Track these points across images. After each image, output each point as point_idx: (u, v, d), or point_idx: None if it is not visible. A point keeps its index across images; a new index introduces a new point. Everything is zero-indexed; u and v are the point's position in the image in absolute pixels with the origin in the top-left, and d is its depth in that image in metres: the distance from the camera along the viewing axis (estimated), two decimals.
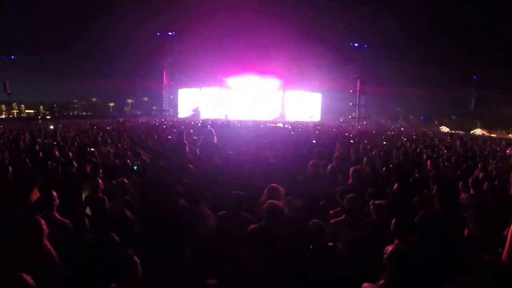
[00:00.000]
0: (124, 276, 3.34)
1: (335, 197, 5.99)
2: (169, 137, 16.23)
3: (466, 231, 5.04)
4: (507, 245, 3.77)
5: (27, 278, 3.22)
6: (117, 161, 8.99)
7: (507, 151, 4.53)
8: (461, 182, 7.24)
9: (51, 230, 4.27)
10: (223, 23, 50.02)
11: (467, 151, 15.58)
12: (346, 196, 5.43)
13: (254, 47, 51.79)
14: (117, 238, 4.27)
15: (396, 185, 6.92)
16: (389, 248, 3.86)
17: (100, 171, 7.21)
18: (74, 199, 6.25)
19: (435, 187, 6.51)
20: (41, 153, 9.68)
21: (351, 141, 17.91)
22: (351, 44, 52.08)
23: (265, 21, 49.94)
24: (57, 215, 4.94)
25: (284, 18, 50.94)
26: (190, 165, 8.08)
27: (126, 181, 6.20)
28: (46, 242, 4.11)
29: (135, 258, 3.40)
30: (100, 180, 6.21)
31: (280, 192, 5.45)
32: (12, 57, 44.16)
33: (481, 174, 8.61)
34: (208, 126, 11.08)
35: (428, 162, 10.21)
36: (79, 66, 62.37)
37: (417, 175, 8.43)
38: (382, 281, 3.72)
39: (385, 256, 3.77)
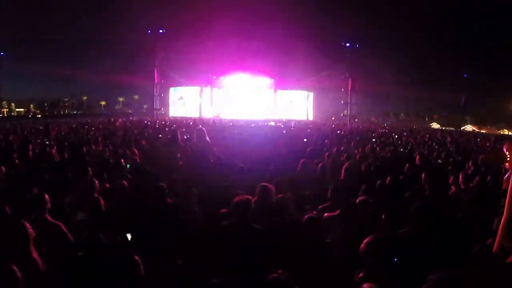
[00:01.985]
0: (128, 277, 3.34)
1: (324, 193, 6.05)
2: (160, 135, 16.20)
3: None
4: (498, 237, 3.82)
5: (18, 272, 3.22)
6: (111, 160, 8.98)
7: (504, 147, 4.52)
8: (452, 177, 7.33)
9: (43, 233, 4.25)
10: (215, 21, 49.96)
11: (457, 147, 15.73)
12: (338, 192, 5.52)
13: (246, 46, 51.83)
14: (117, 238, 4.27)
15: (386, 180, 6.99)
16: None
17: (90, 170, 7.16)
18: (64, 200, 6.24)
19: (427, 180, 6.59)
20: (31, 153, 9.60)
21: (344, 139, 17.98)
22: (342, 43, 52.26)
23: (257, 20, 50.03)
24: (49, 217, 4.90)
25: (276, 17, 51.01)
26: (181, 163, 8.11)
27: (125, 183, 6.17)
28: (32, 246, 4.06)
29: (136, 257, 3.41)
30: (96, 181, 6.18)
31: (271, 190, 5.49)
32: (2, 53, 43.62)
33: (471, 168, 8.68)
34: (200, 126, 11.06)
35: (417, 157, 10.28)
36: (69, 65, 61.91)
37: (407, 171, 8.49)
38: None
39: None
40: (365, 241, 3.84)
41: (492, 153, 9.08)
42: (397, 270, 3.69)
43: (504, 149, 4.11)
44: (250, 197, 4.72)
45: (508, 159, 3.98)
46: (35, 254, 4.02)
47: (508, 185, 3.87)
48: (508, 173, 4.00)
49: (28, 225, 4.11)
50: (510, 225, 3.81)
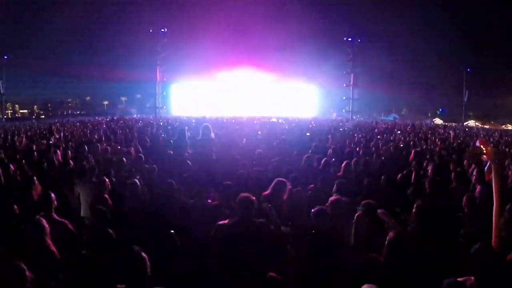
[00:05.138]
0: (134, 273, 3.38)
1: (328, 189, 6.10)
2: (163, 135, 16.27)
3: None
4: (493, 230, 3.87)
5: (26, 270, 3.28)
6: (114, 158, 9.07)
7: (477, 143, 4.50)
8: (453, 173, 7.34)
9: (50, 231, 4.32)
10: (216, 18, 49.91)
11: (459, 143, 15.73)
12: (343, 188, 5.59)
13: (247, 42, 51.82)
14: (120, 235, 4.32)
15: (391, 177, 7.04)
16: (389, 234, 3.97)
17: (96, 169, 7.24)
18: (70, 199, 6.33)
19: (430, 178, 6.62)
20: (36, 153, 9.67)
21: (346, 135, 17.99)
22: (345, 38, 52.04)
23: (259, 16, 49.88)
24: (55, 216, 4.98)
25: (278, 13, 50.89)
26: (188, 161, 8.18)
27: (138, 182, 6.23)
28: (49, 241, 4.16)
29: (144, 254, 3.45)
30: (106, 179, 6.25)
31: (287, 186, 5.54)
32: (5, 56, 43.75)
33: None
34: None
35: (412, 152, 10.24)
36: (72, 65, 62.04)
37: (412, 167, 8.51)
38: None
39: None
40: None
41: (470, 151, 9.09)
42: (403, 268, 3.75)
43: (478, 144, 4.24)
44: (250, 195, 4.74)
45: (484, 151, 4.10)
46: (53, 248, 4.12)
47: (491, 175, 3.96)
48: (488, 164, 4.09)
49: (44, 220, 4.21)
50: (502, 212, 3.89)
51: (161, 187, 6.06)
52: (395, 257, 3.81)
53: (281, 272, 3.66)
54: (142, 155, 9.18)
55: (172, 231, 4.42)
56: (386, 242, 3.91)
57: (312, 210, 4.87)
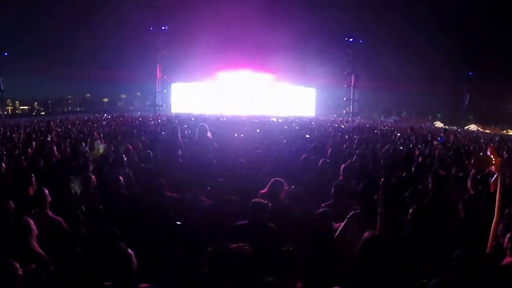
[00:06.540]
0: (120, 269, 3.37)
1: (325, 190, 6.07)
2: (163, 133, 16.26)
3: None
4: (490, 238, 3.82)
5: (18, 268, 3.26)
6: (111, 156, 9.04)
7: (488, 151, 4.45)
8: (454, 177, 7.28)
9: (43, 229, 4.30)
10: (217, 17, 49.92)
11: (459, 147, 15.70)
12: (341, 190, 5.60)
13: (248, 42, 51.84)
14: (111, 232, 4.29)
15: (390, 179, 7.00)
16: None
17: (91, 166, 7.21)
18: (65, 195, 6.29)
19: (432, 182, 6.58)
20: (30, 150, 9.63)
21: (346, 136, 17.93)
22: (346, 38, 51.92)
23: (259, 15, 49.86)
24: (49, 213, 4.95)
25: (279, 13, 50.91)
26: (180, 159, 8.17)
27: (121, 177, 6.23)
28: (34, 242, 4.12)
29: (130, 251, 3.44)
30: (92, 176, 6.23)
31: (283, 186, 5.52)
32: (5, 53, 43.72)
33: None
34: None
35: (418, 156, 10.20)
36: (72, 62, 62.06)
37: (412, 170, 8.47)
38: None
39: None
40: (363, 239, 3.83)
41: (478, 157, 9.02)
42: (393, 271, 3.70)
43: (489, 153, 4.15)
44: (265, 201, 4.75)
45: (493, 162, 4.02)
46: (38, 249, 4.08)
47: (495, 187, 3.88)
48: (495, 176, 4.01)
49: (31, 221, 4.18)
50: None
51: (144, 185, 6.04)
52: (366, 258, 3.75)
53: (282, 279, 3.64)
54: (150, 152, 9.16)
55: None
56: (361, 242, 3.86)
57: (317, 212, 4.86)
